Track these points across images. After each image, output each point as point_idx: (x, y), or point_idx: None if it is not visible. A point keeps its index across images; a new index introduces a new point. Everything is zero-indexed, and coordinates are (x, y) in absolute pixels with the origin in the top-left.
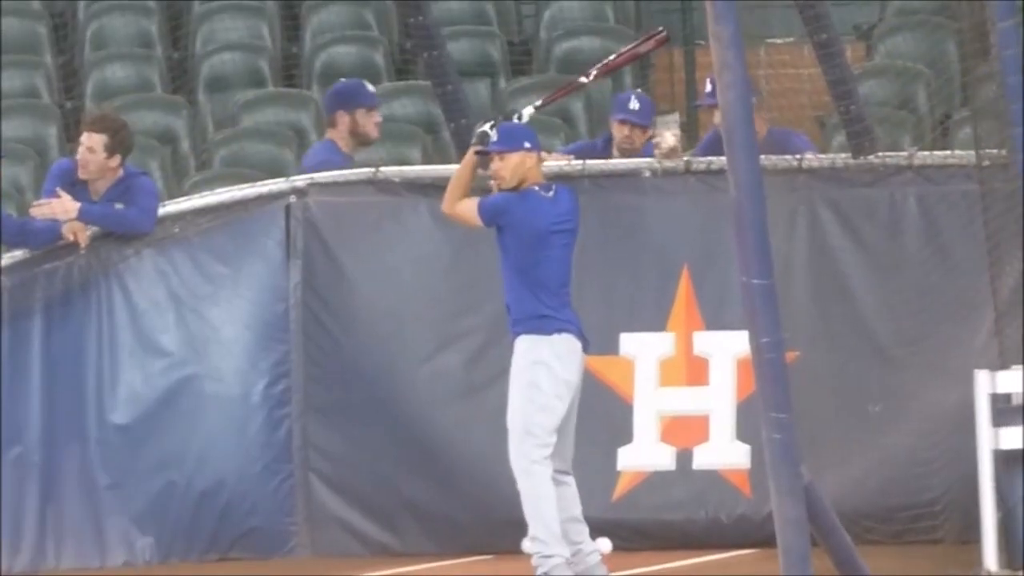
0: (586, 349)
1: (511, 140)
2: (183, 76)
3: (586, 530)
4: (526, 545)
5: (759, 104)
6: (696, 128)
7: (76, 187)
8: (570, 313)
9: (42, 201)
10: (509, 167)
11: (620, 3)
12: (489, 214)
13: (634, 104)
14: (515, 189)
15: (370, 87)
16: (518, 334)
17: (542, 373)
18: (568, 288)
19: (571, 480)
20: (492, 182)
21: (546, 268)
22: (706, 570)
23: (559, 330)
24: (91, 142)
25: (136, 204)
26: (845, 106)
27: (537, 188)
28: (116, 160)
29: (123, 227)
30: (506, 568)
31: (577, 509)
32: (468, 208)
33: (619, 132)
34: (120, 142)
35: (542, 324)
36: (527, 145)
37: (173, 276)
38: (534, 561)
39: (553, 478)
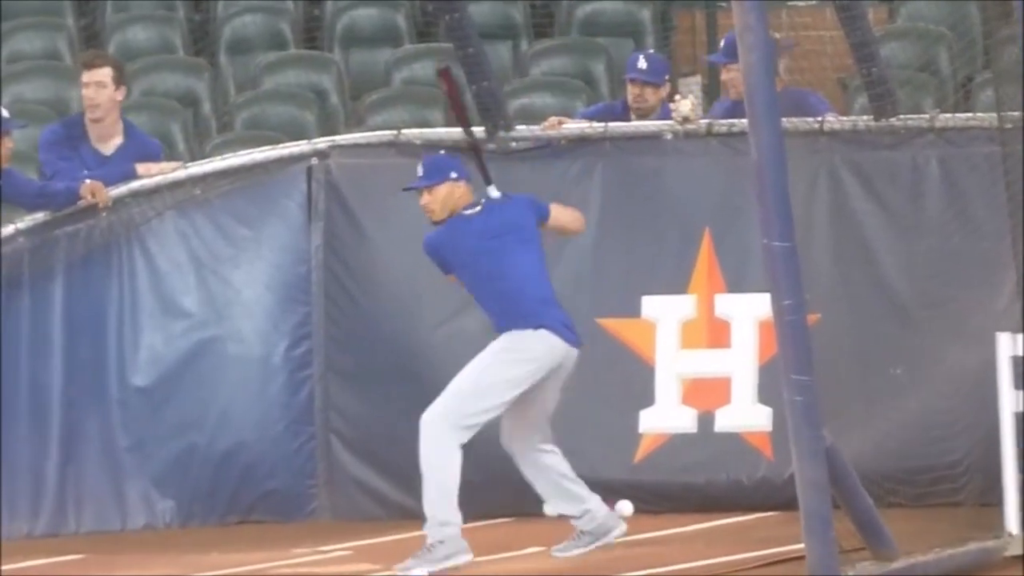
0: (575, 343)
1: (437, 173)
2: (205, 38)
3: (585, 487)
4: (547, 509)
5: (786, 59)
6: (717, 90)
7: (77, 145)
8: (550, 310)
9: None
10: (438, 200)
11: None
12: (442, 269)
13: (642, 63)
14: (444, 219)
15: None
16: (504, 329)
17: (512, 364)
18: (542, 283)
19: (557, 449)
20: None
21: (504, 277)
22: (727, 532)
23: (536, 326)
24: (100, 76)
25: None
26: (867, 68)
27: (462, 210)
28: (122, 93)
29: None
30: (525, 532)
31: (567, 468)
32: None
33: (631, 92)
34: (122, 74)
35: (517, 321)
36: (453, 176)
37: (194, 238)
38: (427, 527)
39: (540, 450)
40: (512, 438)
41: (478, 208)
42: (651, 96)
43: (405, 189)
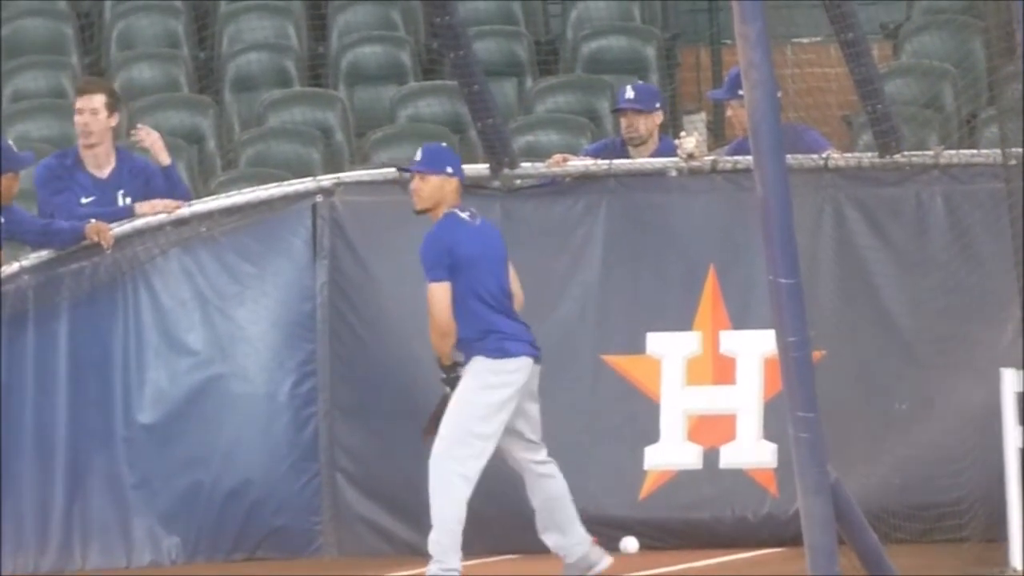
0: (538, 360)
1: (435, 162)
2: (209, 76)
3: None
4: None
5: (783, 103)
6: (722, 126)
7: (72, 173)
8: (519, 327)
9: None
10: (428, 188)
11: (647, 2)
12: (440, 273)
13: (630, 93)
14: (428, 211)
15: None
16: (473, 354)
17: (487, 395)
18: (508, 302)
19: (554, 467)
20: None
21: (486, 284)
22: (733, 569)
23: (512, 354)
24: (93, 103)
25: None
26: (872, 105)
27: (459, 212)
28: (115, 119)
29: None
30: (532, 567)
31: (562, 488)
32: (436, 305)
33: (623, 123)
34: (116, 100)
35: (491, 346)
36: (449, 170)
37: (199, 275)
38: (430, 566)
39: (537, 470)
40: (515, 460)
41: (477, 220)
42: (642, 125)
43: (400, 169)
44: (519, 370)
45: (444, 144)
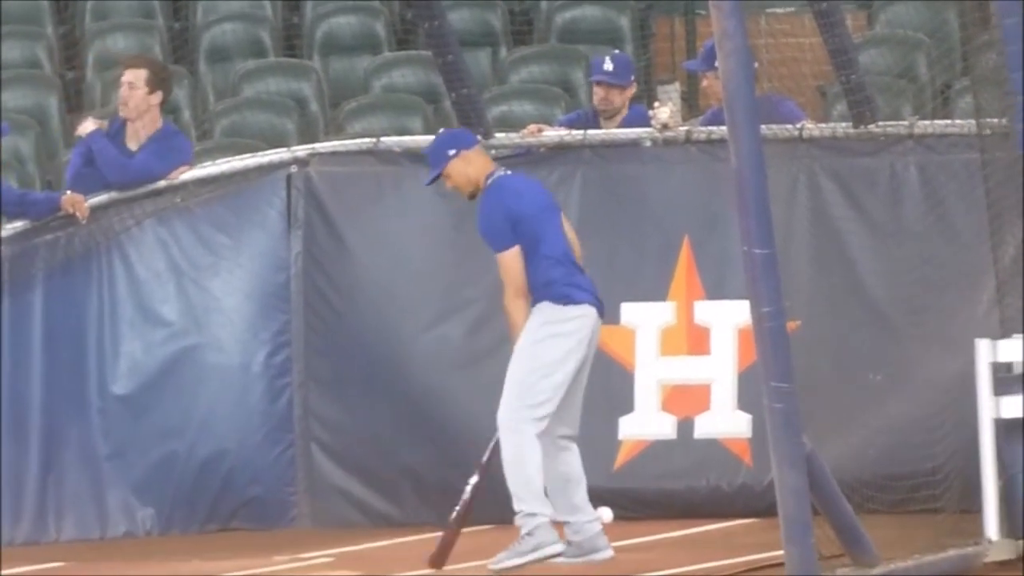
0: (601, 315)
1: (438, 159)
2: (184, 46)
3: (586, 495)
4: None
5: (758, 73)
6: (696, 97)
7: (115, 141)
8: (584, 279)
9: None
10: (455, 177)
11: None
12: (506, 241)
13: (608, 65)
14: (475, 192)
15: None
16: (536, 301)
17: (552, 341)
18: (572, 255)
19: (575, 447)
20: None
21: (547, 240)
22: (707, 539)
23: (576, 300)
24: (132, 77)
25: (144, 152)
26: (846, 75)
27: (499, 174)
28: (157, 97)
29: (108, 167)
30: (508, 538)
31: (579, 472)
32: (509, 273)
33: (597, 94)
34: (161, 79)
35: (556, 292)
36: (451, 152)
37: (174, 246)
38: (518, 520)
39: (558, 443)
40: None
41: (516, 176)
42: (617, 97)
43: (428, 184)
44: (584, 316)
45: (434, 136)
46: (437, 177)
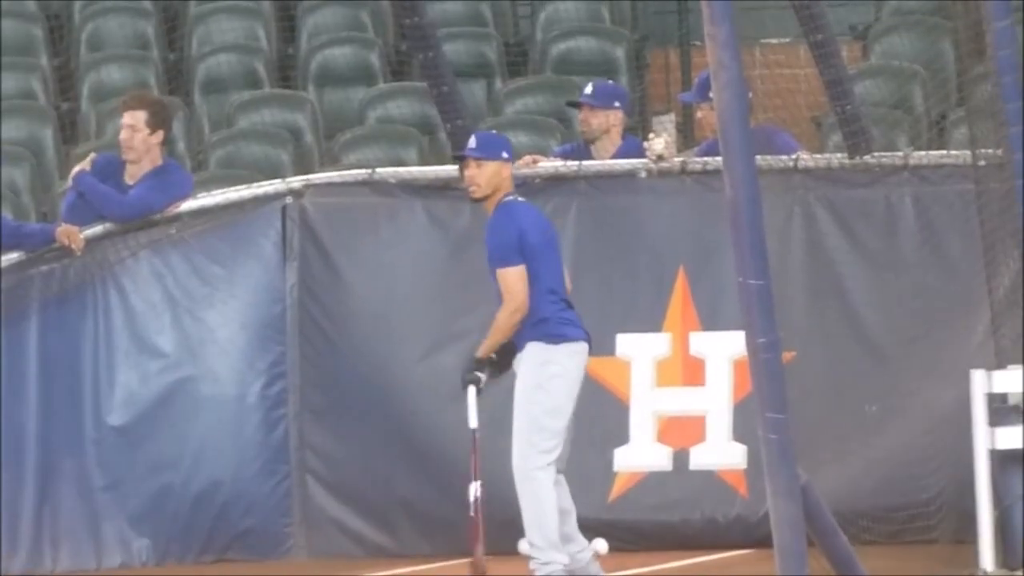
0: (590, 347)
1: (490, 149)
2: (179, 77)
3: (576, 524)
4: (523, 546)
5: (753, 104)
6: (691, 128)
7: (109, 178)
8: (573, 314)
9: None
10: (485, 175)
11: (616, 4)
12: (514, 258)
13: (588, 89)
14: (486, 199)
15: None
16: (527, 340)
17: (555, 383)
18: (565, 290)
19: (562, 479)
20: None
21: (548, 273)
22: (702, 570)
23: (570, 338)
24: (132, 119)
25: (141, 187)
26: (841, 106)
27: (519, 198)
28: (159, 136)
29: (102, 205)
30: (502, 569)
31: (569, 503)
32: (513, 289)
33: (579, 117)
34: (161, 118)
35: (548, 331)
36: (504, 156)
37: (169, 277)
38: (532, 566)
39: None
40: None
41: (531, 207)
42: (594, 120)
43: (455, 155)
44: (579, 353)
45: (494, 131)
46: (474, 160)
